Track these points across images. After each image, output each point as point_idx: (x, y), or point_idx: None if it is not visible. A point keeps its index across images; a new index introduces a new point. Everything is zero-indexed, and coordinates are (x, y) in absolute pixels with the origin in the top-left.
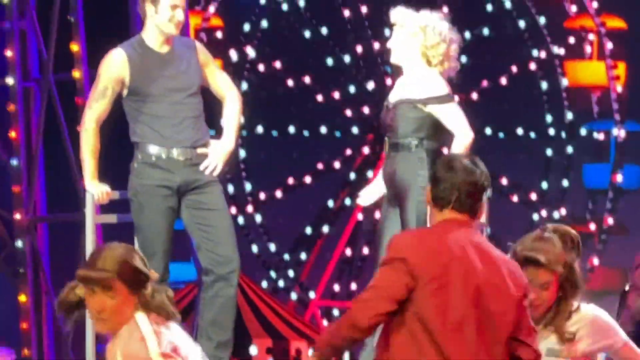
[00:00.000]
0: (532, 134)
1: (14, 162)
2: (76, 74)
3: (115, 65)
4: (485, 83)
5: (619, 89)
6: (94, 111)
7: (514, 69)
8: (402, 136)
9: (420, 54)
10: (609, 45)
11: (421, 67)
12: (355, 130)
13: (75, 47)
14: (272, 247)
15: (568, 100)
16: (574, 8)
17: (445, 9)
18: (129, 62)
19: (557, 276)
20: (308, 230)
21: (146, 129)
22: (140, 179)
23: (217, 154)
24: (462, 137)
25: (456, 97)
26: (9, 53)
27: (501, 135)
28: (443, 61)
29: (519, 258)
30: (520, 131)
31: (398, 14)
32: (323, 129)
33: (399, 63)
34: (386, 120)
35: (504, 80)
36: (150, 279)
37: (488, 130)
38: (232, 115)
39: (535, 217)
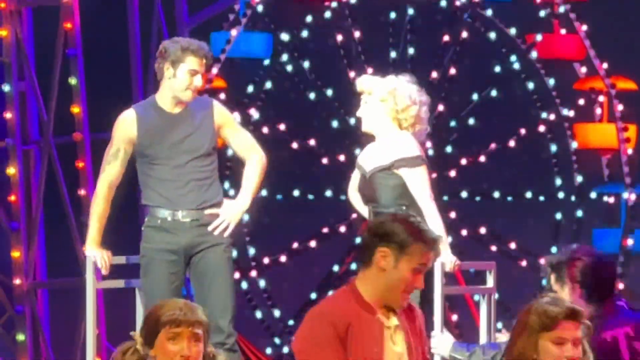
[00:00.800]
0: (541, 197)
1: (14, 226)
2: (77, 136)
3: (125, 126)
4: (493, 145)
5: (630, 151)
6: (107, 174)
7: (523, 131)
8: (385, 206)
9: (391, 118)
10: (619, 107)
11: (393, 131)
12: None
13: (76, 110)
14: (277, 312)
15: (577, 163)
16: (583, 69)
17: (453, 70)
18: (138, 122)
19: (583, 334)
20: (313, 295)
21: (153, 193)
22: (147, 242)
23: (228, 214)
24: (428, 204)
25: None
26: (8, 115)
27: (509, 198)
28: (414, 124)
29: (553, 313)
30: (529, 195)
31: (365, 82)
32: (328, 193)
33: (370, 131)
34: (365, 191)
35: (512, 143)
36: None
37: (496, 194)
38: (250, 176)
39: (545, 282)
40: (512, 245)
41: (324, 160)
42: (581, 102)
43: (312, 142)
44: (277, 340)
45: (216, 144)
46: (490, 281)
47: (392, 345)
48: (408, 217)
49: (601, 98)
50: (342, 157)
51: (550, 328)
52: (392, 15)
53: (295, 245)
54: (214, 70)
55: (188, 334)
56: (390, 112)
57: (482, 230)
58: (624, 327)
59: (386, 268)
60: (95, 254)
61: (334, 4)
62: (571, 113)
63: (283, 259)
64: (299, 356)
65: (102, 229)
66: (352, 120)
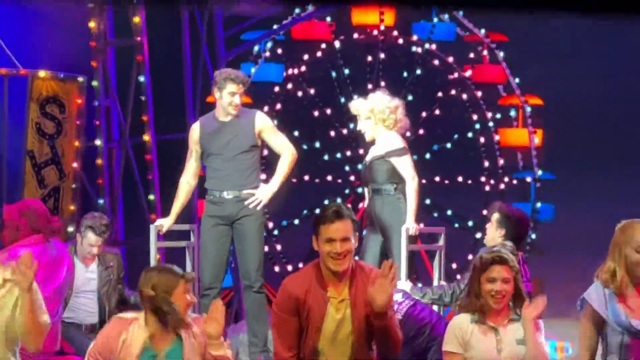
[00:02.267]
0: (474, 179)
1: (101, 201)
2: (146, 137)
3: (192, 133)
4: (435, 147)
5: (536, 150)
6: (185, 170)
7: (456, 136)
8: (381, 184)
9: (379, 125)
10: (530, 117)
11: (383, 133)
12: None
13: (144, 118)
14: (289, 267)
15: (501, 156)
16: (505, 90)
17: (410, 97)
18: (200, 129)
19: (514, 274)
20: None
21: (210, 178)
22: (205, 212)
23: (261, 194)
24: (412, 182)
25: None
26: (97, 122)
27: (446, 181)
28: (396, 124)
29: (487, 260)
30: (461, 178)
31: (353, 107)
32: (329, 177)
33: (370, 138)
34: (366, 174)
35: (449, 145)
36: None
37: (437, 178)
38: (281, 167)
39: (479, 235)
40: (449, 212)
41: (325, 157)
42: (503, 113)
43: (317, 144)
44: None
45: (257, 143)
46: (441, 240)
47: (333, 313)
48: (323, 208)
49: (515, 111)
50: (338, 155)
51: (485, 270)
52: (369, 57)
53: (304, 212)
54: None
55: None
56: (376, 122)
57: (427, 202)
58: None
59: (317, 248)
60: (158, 222)
61: (322, 45)
62: (497, 119)
63: (296, 221)
64: (271, 316)
65: (179, 208)
66: (345, 130)
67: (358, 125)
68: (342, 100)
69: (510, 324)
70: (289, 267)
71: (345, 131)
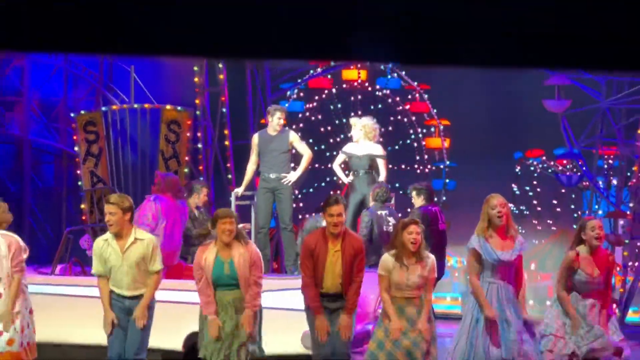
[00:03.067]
0: (411, 167)
1: (201, 179)
2: (226, 142)
3: (254, 140)
4: (390, 148)
5: (445, 150)
6: (250, 161)
7: (401, 142)
8: (364, 169)
9: (366, 137)
10: (442, 132)
11: (368, 142)
12: None
13: (225, 132)
14: None
15: (425, 153)
16: (428, 116)
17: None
18: (258, 138)
19: (421, 231)
20: None
21: (262, 167)
22: (260, 185)
23: (290, 176)
24: (384, 169)
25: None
26: (199, 134)
27: (395, 167)
28: (375, 137)
29: (407, 222)
30: (403, 166)
31: (353, 120)
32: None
33: (357, 140)
34: (354, 164)
35: (397, 147)
36: None
37: (391, 165)
38: (302, 162)
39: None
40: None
41: (327, 154)
42: (427, 130)
43: (322, 146)
44: None
45: (289, 148)
46: (392, 201)
47: (331, 257)
48: (328, 196)
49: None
50: (334, 153)
51: (405, 227)
52: (352, 97)
53: (315, 185)
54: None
55: (229, 221)
56: (365, 134)
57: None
58: (436, 207)
59: (323, 219)
60: (237, 190)
61: (326, 91)
62: (424, 133)
63: (311, 190)
64: (300, 257)
65: (246, 182)
66: (338, 139)
67: (352, 131)
68: (337, 121)
69: (415, 264)
70: (307, 216)
71: (338, 139)
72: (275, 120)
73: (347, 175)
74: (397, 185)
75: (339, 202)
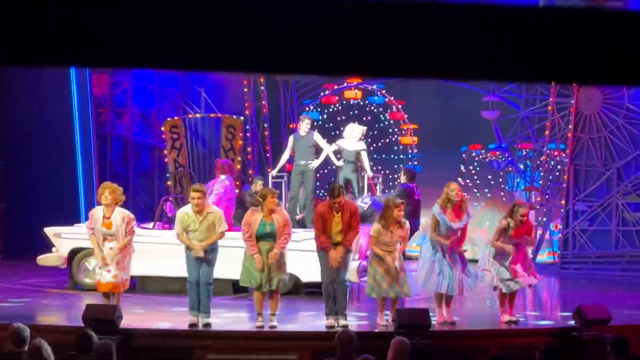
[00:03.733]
0: (389, 157)
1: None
2: (267, 142)
3: (290, 139)
4: (373, 145)
5: (415, 145)
6: (284, 153)
7: (382, 140)
8: (352, 159)
9: (357, 137)
10: (413, 132)
11: (358, 141)
12: None
13: (265, 132)
14: None
15: (400, 148)
16: (403, 122)
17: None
18: (293, 138)
19: (403, 207)
20: None
21: (296, 155)
22: (293, 169)
23: (314, 163)
24: (367, 164)
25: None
26: (247, 134)
27: (379, 157)
28: (361, 138)
29: (397, 202)
30: (384, 156)
31: (352, 126)
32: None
33: (349, 137)
34: (347, 154)
35: (379, 144)
36: None
37: (374, 155)
38: (322, 154)
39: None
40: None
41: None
42: (402, 132)
43: (331, 144)
44: None
45: (314, 144)
46: (380, 179)
47: (336, 219)
48: (332, 186)
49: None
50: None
51: (396, 206)
52: (351, 112)
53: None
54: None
55: (275, 196)
56: (357, 135)
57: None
58: (414, 184)
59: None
60: (273, 172)
61: (332, 105)
62: (400, 134)
63: (325, 171)
64: (313, 218)
65: (279, 166)
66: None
67: (344, 132)
68: (342, 127)
69: (397, 229)
70: (320, 193)
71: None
72: (304, 125)
73: (338, 159)
74: (380, 169)
75: (340, 194)
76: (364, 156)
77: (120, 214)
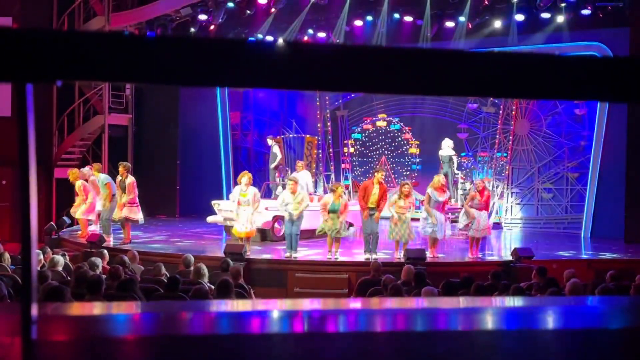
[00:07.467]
0: (401, 160)
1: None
2: (330, 151)
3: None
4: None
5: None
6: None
7: (399, 150)
8: (446, 161)
9: (451, 147)
10: (416, 146)
11: (451, 149)
12: None
13: (329, 147)
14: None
15: (409, 155)
16: (411, 139)
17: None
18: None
19: (412, 190)
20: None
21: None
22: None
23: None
24: (455, 166)
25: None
26: (320, 149)
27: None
28: (452, 147)
29: (405, 184)
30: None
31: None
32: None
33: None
34: (444, 158)
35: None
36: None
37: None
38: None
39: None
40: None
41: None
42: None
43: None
44: None
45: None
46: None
47: (373, 192)
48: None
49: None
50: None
51: (403, 185)
52: (382, 134)
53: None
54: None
55: (341, 189)
56: (448, 146)
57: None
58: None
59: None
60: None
61: (370, 130)
62: (409, 146)
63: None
64: (358, 191)
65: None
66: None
67: (445, 144)
68: (377, 145)
69: (407, 199)
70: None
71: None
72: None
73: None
74: (398, 169)
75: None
76: (454, 159)
77: (252, 190)
